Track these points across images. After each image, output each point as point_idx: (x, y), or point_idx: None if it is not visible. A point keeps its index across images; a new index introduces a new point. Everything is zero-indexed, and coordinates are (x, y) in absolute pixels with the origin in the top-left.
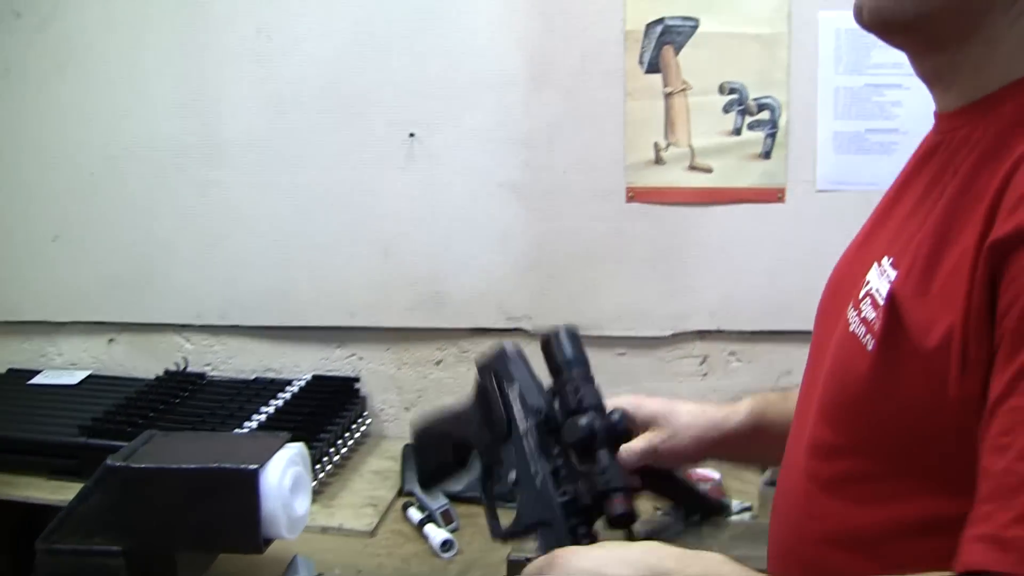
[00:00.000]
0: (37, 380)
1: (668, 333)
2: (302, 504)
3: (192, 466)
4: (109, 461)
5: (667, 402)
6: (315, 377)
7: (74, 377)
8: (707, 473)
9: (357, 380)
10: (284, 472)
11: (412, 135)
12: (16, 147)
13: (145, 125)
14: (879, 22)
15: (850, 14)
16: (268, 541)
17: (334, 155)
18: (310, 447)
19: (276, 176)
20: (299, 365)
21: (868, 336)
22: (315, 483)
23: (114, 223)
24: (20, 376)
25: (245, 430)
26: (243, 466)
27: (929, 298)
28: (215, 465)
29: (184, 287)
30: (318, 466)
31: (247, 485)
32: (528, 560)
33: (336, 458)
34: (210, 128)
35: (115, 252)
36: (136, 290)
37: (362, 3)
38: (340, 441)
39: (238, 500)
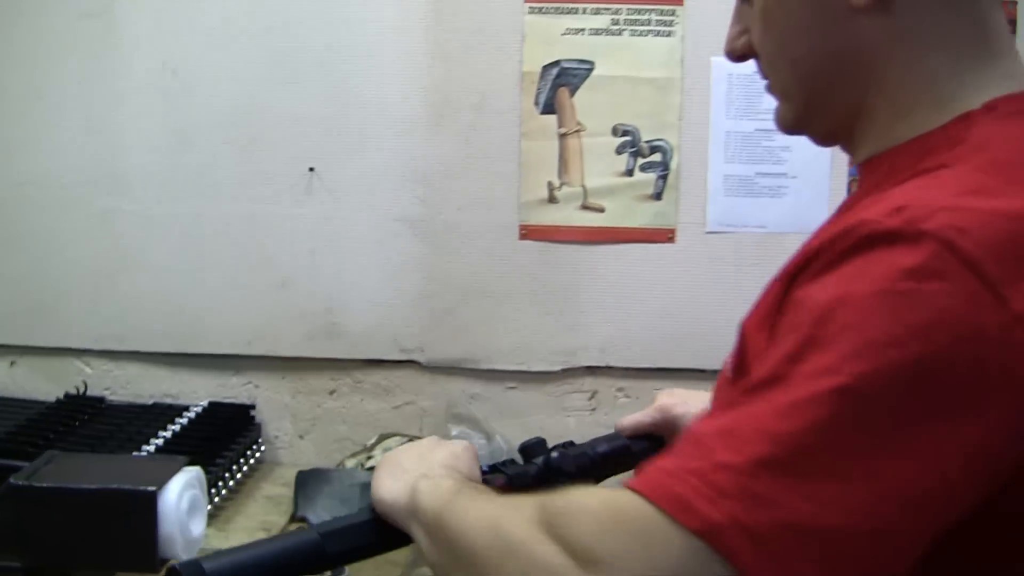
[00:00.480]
0: None
1: (558, 368)
2: (198, 526)
3: (93, 487)
4: (12, 480)
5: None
6: (212, 403)
7: None
8: None
9: (253, 407)
10: (181, 494)
11: (312, 169)
12: None
13: (49, 155)
14: (783, 129)
15: None
16: (164, 561)
17: (235, 187)
18: (206, 471)
19: (177, 207)
20: (196, 391)
21: (729, 366)
22: (210, 507)
23: (17, 248)
24: None
25: (144, 453)
26: (142, 488)
27: (761, 331)
28: (115, 486)
29: (84, 312)
30: (213, 490)
31: (145, 506)
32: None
33: (231, 483)
34: (114, 159)
35: (17, 276)
36: (37, 314)
37: (266, 41)
38: (235, 466)
39: (136, 520)
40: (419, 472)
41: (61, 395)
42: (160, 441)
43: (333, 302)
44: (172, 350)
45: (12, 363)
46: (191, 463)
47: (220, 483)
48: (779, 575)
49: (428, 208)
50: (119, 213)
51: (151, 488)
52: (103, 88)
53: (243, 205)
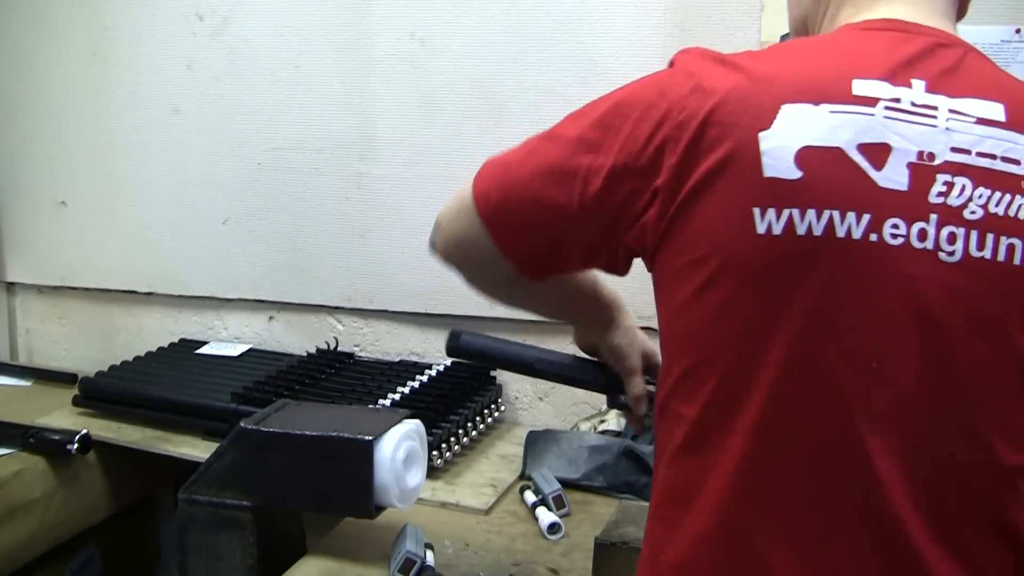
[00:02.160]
0: (204, 350)
1: None
2: (415, 477)
3: (313, 433)
4: (243, 424)
5: None
6: (454, 362)
7: (236, 350)
8: None
9: (494, 368)
10: (398, 445)
11: None
12: (193, 138)
13: (306, 121)
14: None
15: None
16: (380, 508)
17: (481, 153)
18: (439, 426)
19: (425, 171)
20: (441, 351)
21: None
22: (441, 461)
23: (277, 210)
24: (190, 345)
25: (379, 406)
26: (359, 436)
27: None
28: (334, 433)
29: (337, 272)
30: (445, 445)
31: (362, 454)
32: (613, 543)
33: (464, 440)
34: (365, 125)
35: (277, 236)
36: (295, 272)
37: (510, 11)
38: (471, 424)
39: (353, 468)
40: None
41: (313, 349)
42: (398, 395)
43: None
44: (419, 310)
45: (271, 318)
46: (425, 417)
47: (453, 439)
48: (478, 184)
49: None
50: (370, 177)
51: (367, 437)
52: (355, 57)
53: None
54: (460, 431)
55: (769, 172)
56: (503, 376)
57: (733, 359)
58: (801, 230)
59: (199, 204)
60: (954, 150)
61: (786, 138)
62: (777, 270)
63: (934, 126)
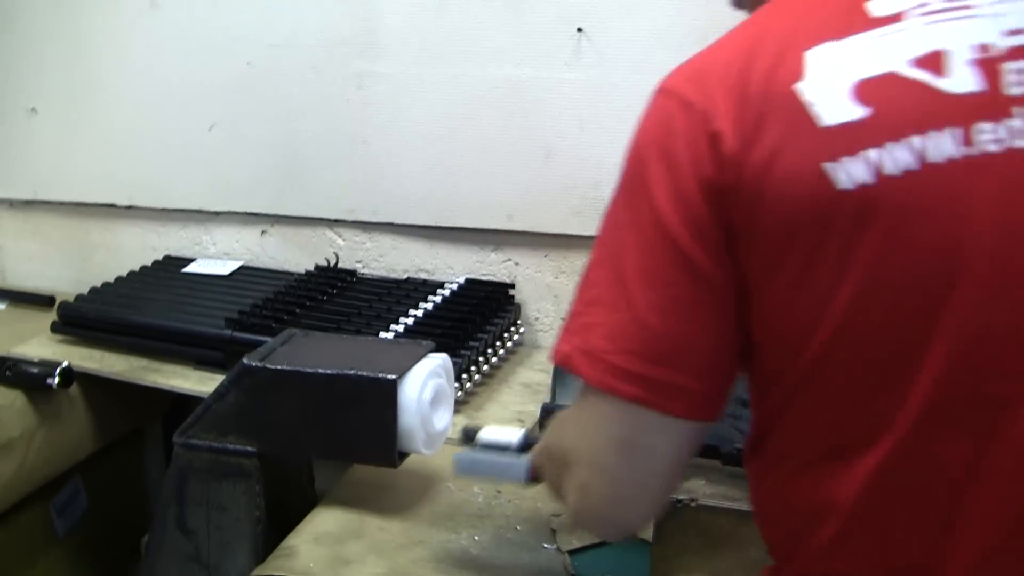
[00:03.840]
0: (191, 268)
1: None
2: (442, 419)
3: (328, 371)
4: (246, 360)
5: None
6: (468, 280)
7: (226, 267)
8: None
9: (512, 286)
10: (424, 384)
11: (580, 30)
12: (175, 35)
13: (302, 15)
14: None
15: None
16: (404, 455)
17: (496, 50)
18: (459, 354)
19: (434, 70)
20: (452, 267)
21: None
22: (461, 393)
23: (269, 114)
24: (176, 263)
25: (391, 333)
26: (381, 375)
27: None
28: (352, 372)
29: (337, 181)
30: (466, 375)
31: (385, 395)
32: (679, 501)
33: (485, 367)
34: (368, 18)
35: (269, 143)
36: (289, 182)
37: None
38: (491, 349)
39: (374, 411)
40: None
41: (312, 266)
42: (411, 320)
43: (602, 176)
44: (427, 223)
45: (263, 232)
46: (442, 344)
47: (474, 367)
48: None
49: None
50: (373, 76)
51: (391, 376)
52: None
53: (505, 69)
54: (481, 358)
55: (826, 120)
56: (522, 295)
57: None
58: (890, 168)
59: (183, 108)
60: (1009, 33)
61: (829, 81)
62: (870, 224)
63: (977, 15)
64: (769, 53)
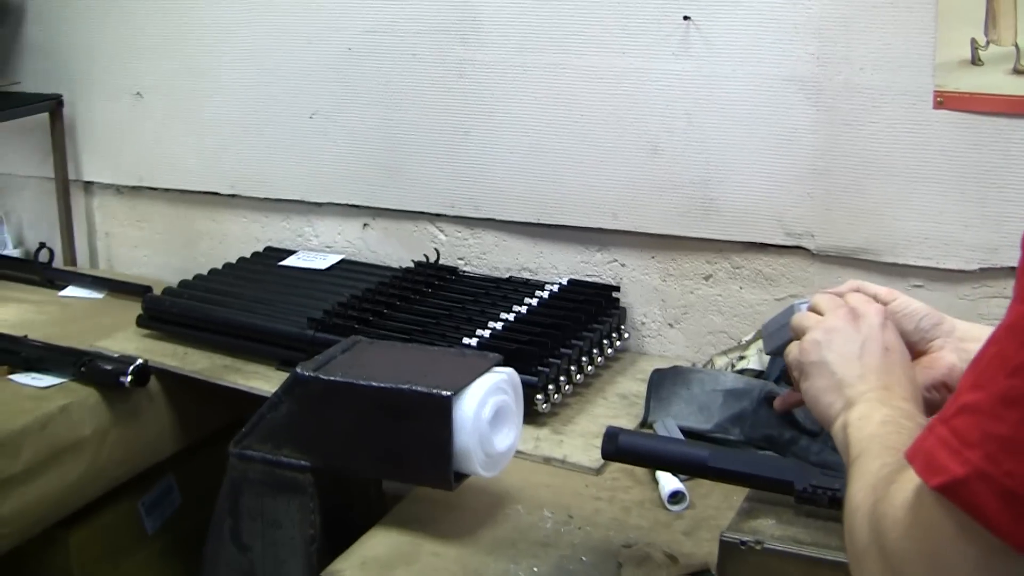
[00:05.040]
0: (290, 261)
1: (975, 267)
2: (505, 439)
3: (381, 384)
4: (299, 369)
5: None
6: (571, 281)
7: (325, 261)
8: None
9: (617, 288)
10: (484, 401)
11: (687, 18)
12: (274, 20)
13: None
14: None
15: None
16: (461, 477)
17: (600, 38)
18: (547, 365)
19: (537, 58)
20: (556, 267)
21: None
22: (547, 405)
23: (370, 102)
24: (276, 255)
25: (482, 335)
26: (436, 391)
27: None
28: (406, 386)
29: (438, 174)
30: (552, 387)
31: (439, 412)
32: (743, 543)
33: (579, 377)
34: (469, 4)
35: (370, 133)
36: (391, 174)
37: None
38: (590, 355)
39: (429, 428)
40: (853, 387)
41: (412, 261)
42: (510, 317)
43: (711, 173)
44: (531, 220)
45: (365, 225)
46: (534, 351)
47: (564, 378)
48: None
49: (823, 66)
50: (475, 64)
51: (446, 392)
52: None
53: (609, 58)
54: (573, 367)
55: None
56: (628, 298)
57: None
58: None
59: (284, 96)
60: None
61: None
62: None
63: None
64: None
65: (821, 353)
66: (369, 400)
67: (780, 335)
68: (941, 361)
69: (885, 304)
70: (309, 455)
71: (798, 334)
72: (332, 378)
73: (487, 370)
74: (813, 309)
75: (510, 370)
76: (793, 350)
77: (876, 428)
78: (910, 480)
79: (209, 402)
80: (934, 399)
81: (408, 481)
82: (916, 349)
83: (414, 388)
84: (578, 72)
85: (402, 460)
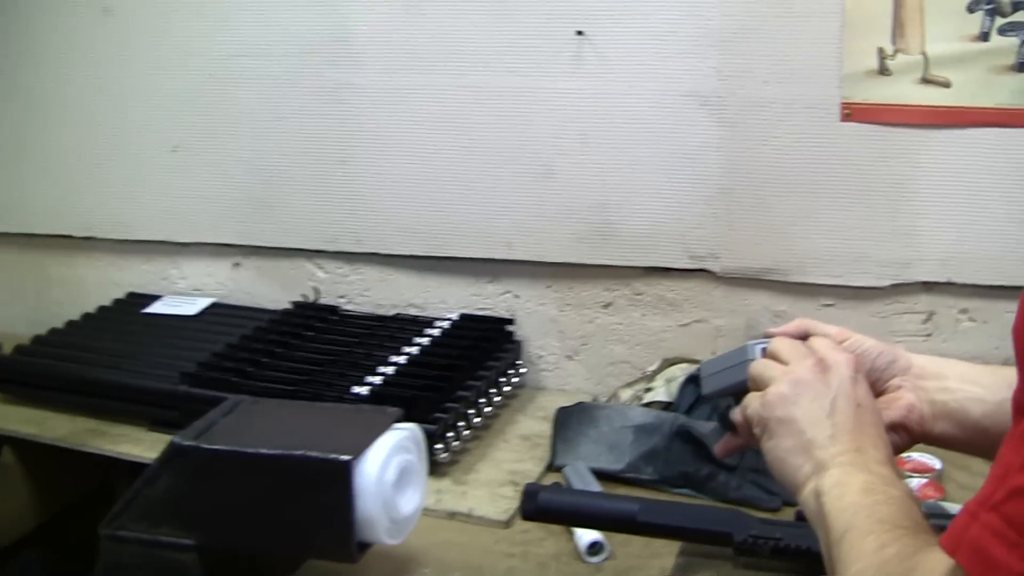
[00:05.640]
0: (154, 308)
1: (886, 283)
2: (411, 501)
3: (272, 452)
4: (177, 439)
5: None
6: (463, 316)
7: (194, 306)
8: (924, 461)
9: (512, 321)
10: (387, 463)
11: (580, 33)
12: (131, 46)
13: (266, 18)
14: None
15: None
16: (364, 547)
17: (486, 56)
18: (445, 411)
19: (417, 79)
20: (445, 301)
21: None
22: (447, 455)
23: (236, 131)
24: (140, 301)
25: (371, 383)
26: (332, 455)
27: None
28: (299, 452)
29: (315, 207)
30: (462, 423)
31: (338, 479)
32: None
33: (477, 420)
34: (339, 22)
35: (238, 165)
36: (263, 208)
37: None
38: (487, 396)
39: (328, 497)
40: (824, 448)
41: (290, 302)
42: (401, 360)
43: (608, 196)
44: (417, 253)
45: (236, 265)
46: (431, 396)
47: (466, 419)
48: None
49: (725, 81)
50: (350, 88)
51: (344, 457)
52: None
53: (496, 77)
54: (471, 410)
55: None
56: (524, 330)
57: None
58: None
59: (142, 127)
60: None
61: None
62: None
63: None
64: None
65: (788, 409)
66: (259, 469)
67: (726, 377)
68: (899, 401)
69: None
70: (193, 533)
71: (759, 385)
72: (216, 447)
73: (388, 428)
74: (772, 355)
75: (412, 426)
76: (754, 402)
77: (858, 497)
78: (938, 569)
79: (73, 468)
80: (893, 441)
81: (307, 555)
82: (872, 389)
83: (308, 454)
84: (463, 93)
85: (299, 532)
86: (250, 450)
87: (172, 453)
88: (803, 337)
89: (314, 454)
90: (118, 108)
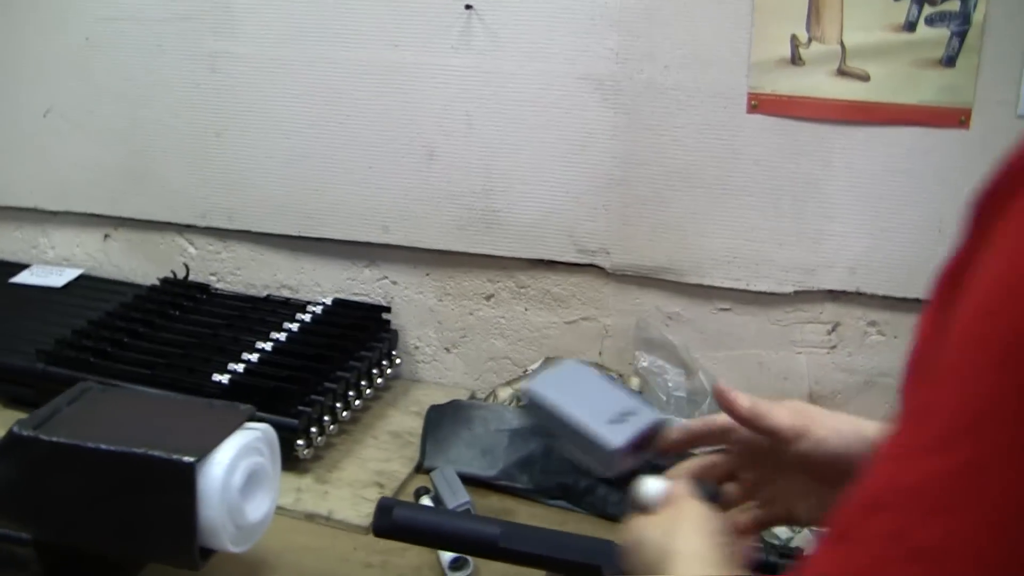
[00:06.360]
0: (20, 279)
1: (789, 289)
2: (259, 507)
3: (112, 448)
4: (16, 428)
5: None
6: (337, 301)
7: (62, 277)
8: None
9: (388, 309)
10: (234, 466)
11: (469, 7)
12: (8, 6)
13: None
14: None
15: None
16: (208, 554)
17: (369, 29)
18: (310, 403)
19: (296, 51)
20: (320, 284)
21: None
22: (310, 451)
23: (111, 98)
24: (7, 270)
25: (235, 369)
26: (176, 456)
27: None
28: (141, 451)
29: (188, 180)
30: (315, 429)
31: (180, 482)
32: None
33: (345, 414)
34: None
35: (112, 133)
36: (136, 179)
37: None
38: (359, 387)
39: (169, 499)
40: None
41: (158, 279)
42: (267, 346)
43: (493, 183)
44: (291, 232)
45: (106, 236)
46: (295, 388)
47: (331, 414)
48: None
49: (623, 64)
50: (228, 57)
51: (188, 458)
52: None
53: (380, 52)
54: (338, 404)
55: None
56: (400, 319)
57: None
58: None
59: (12, 90)
60: None
61: None
62: None
63: None
64: None
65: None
66: (99, 465)
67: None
68: None
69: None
70: (31, 526)
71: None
72: (55, 439)
73: (238, 427)
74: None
75: (265, 426)
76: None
77: None
78: None
79: None
80: None
81: (147, 558)
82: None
83: (150, 453)
84: (344, 67)
85: (139, 534)
86: (90, 444)
87: (10, 442)
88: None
89: (156, 453)
90: None
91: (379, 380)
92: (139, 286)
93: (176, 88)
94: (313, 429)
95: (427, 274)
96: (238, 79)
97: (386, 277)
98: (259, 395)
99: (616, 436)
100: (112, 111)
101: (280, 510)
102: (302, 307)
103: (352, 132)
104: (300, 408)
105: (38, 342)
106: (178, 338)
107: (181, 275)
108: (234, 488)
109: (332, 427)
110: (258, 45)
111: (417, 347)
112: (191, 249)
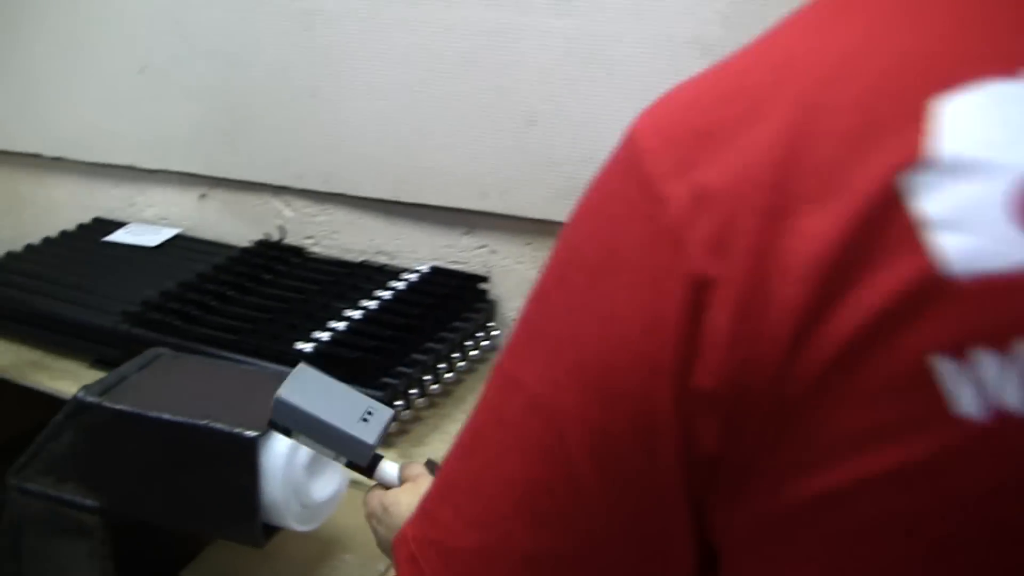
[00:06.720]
0: (116, 236)
1: None
2: (327, 486)
3: (174, 418)
4: (81, 394)
5: None
6: (434, 269)
7: (157, 236)
8: None
9: (486, 279)
10: (298, 443)
11: None
12: None
13: None
14: None
15: None
16: (272, 531)
17: None
18: (398, 374)
19: (392, 10)
20: (417, 251)
21: None
22: (397, 421)
23: (206, 55)
24: (104, 228)
25: (310, 345)
26: (238, 430)
27: None
28: (203, 422)
29: (284, 140)
30: (402, 402)
31: (241, 457)
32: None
33: (436, 385)
34: None
35: (208, 92)
36: (231, 139)
37: None
38: (451, 358)
39: (231, 475)
40: None
41: (254, 240)
42: (357, 314)
43: (595, 151)
44: (388, 196)
45: (202, 196)
46: (384, 356)
47: (420, 387)
48: None
49: (730, 29)
50: (323, 15)
51: (250, 433)
52: None
53: (478, 12)
54: (427, 376)
55: (959, 265)
56: (498, 289)
57: None
58: None
59: (109, 46)
60: None
61: (976, 171)
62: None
63: None
64: (853, 103)
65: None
66: (160, 436)
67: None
68: None
69: None
70: (96, 494)
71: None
72: (118, 407)
73: None
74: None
75: None
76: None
77: None
78: None
79: (21, 402)
80: None
81: (210, 534)
82: None
83: (212, 425)
84: (440, 27)
85: (201, 509)
86: (152, 414)
87: (75, 408)
88: None
89: (218, 426)
90: (90, 25)
91: (474, 352)
92: (234, 247)
93: (270, 47)
94: (399, 402)
95: (528, 244)
96: (332, 39)
97: (485, 245)
98: (343, 365)
99: (369, 434)
100: (207, 69)
101: (357, 485)
102: (397, 274)
103: (448, 94)
104: (385, 380)
105: (127, 302)
106: (267, 303)
107: (277, 237)
108: (299, 465)
109: (420, 400)
110: (353, 3)
111: (516, 319)
112: (287, 211)
